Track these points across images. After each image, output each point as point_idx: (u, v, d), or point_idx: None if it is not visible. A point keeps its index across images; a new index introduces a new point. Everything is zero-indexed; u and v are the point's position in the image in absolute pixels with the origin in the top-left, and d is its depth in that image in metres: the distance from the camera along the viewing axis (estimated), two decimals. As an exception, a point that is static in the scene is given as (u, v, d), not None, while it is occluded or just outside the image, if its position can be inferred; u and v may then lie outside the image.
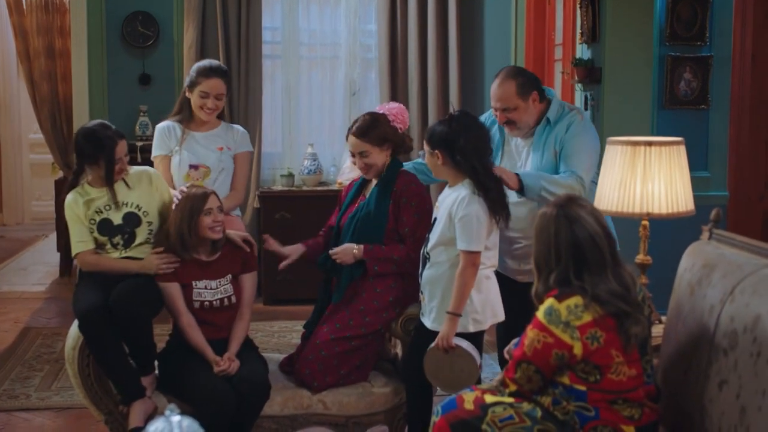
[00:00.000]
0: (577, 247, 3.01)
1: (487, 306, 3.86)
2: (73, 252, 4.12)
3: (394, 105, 4.25)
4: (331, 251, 4.11)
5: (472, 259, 3.73)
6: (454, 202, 3.78)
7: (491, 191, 3.75)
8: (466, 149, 3.74)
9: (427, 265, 3.88)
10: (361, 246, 4.06)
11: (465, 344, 3.76)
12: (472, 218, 3.71)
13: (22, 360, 5.87)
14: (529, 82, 4.14)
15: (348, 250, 4.06)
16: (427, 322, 3.90)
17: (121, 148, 4.04)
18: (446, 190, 3.89)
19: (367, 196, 4.18)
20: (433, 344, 3.78)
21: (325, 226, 4.35)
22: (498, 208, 3.76)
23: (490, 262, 3.86)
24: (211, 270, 4.05)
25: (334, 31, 7.70)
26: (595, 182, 4.17)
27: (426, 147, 3.85)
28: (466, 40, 7.48)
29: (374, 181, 4.20)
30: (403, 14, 7.42)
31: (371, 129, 4.10)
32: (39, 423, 4.85)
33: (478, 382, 3.78)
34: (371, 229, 4.09)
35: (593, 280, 2.99)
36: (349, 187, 4.36)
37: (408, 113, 4.31)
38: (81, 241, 4.08)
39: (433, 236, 3.85)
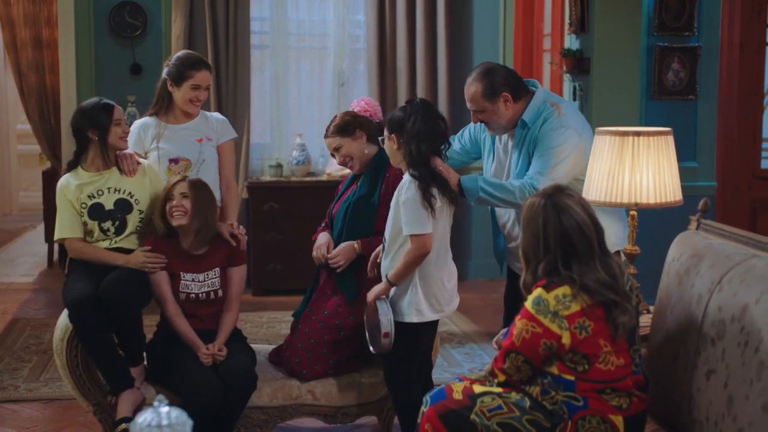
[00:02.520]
0: (566, 236, 3.02)
1: (437, 297, 3.81)
2: (57, 235, 4.12)
3: (363, 99, 4.38)
4: (329, 257, 4.13)
5: (421, 242, 3.68)
6: (400, 188, 3.78)
7: (422, 180, 3.69)
8: (411, 132, 3.73)
9: (383, 254, 3.88)
10: (359, 241, 4.09)
11: (383, 308, 3.75)
12: (412, 201, 3.69)
13: (10, 351, 5.86)
14: (497, 83, 4.02)
15: (347, 249, 4.08)
16: None
17: (117, 112, 4.10)
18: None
19: (359, 182, 4.21)
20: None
21: (325, 218, 4.35)
22: (427, 198, 3.69)
23: (438, 249, 3.80)
24: (200, 263, 4.06)
25: (322, 21, 7.68)
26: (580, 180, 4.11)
27: (385, 133, 3.86)
28: (455, 30, 7.48)
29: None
30: (391, 4, 7.41)
31: (333, 124, 4.22)
32: (27, 414, 4.84)
33: (390, 351, 3.80)
34: (363, 213, 4.12)
35: (581, 270, 3.00)
36: (345, 179, 4.40)
37: (377, 103, 4.45)
38: (68, 227, 4.08)
39: (387, 225, 3.85)
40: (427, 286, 3.79)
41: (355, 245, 4.10)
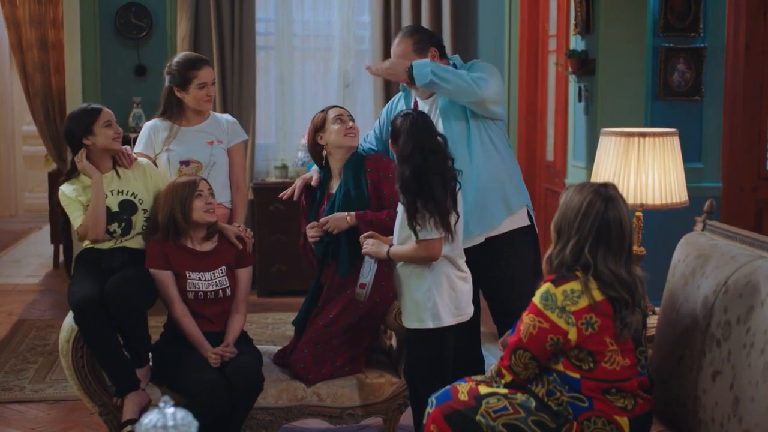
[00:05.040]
0: (605, 224, 3.01)
1: (454, 301, 3.74)
2: (76, 227, 4.08)
3: None
4: (320, 221, 4.08)
5: (429, 246, 3.62)
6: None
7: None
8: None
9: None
10: (353, 213, 4.04)
11: (369, 261, 3.79)
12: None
13: (16, 352, 5.87)
14: (426, 38, 4.17)
15: (340, 217, 4.04)
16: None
17: (105, 114, 4.07)
18: None
19: (336, 188, 4.16)
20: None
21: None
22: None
23: (452, 253, 3.73)
24: (206, 261, 4.05)
25: (327, 22, 7.68)
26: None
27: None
28: (460, 31, 7.48)
29: (336, 180, 4.19)
30: (396, 5, 7.41)
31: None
32: (33, 415, 4.85)
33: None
34: (356, 209, 4.08)
35: (606, 257, 2.99)
36: (307, 197, 4.32)
37: None
38: (82, 215, 4.05)
39: (395, 231, 3.79)
40: (442, 291, 3.71)
41: (348, 217, 4.05)
